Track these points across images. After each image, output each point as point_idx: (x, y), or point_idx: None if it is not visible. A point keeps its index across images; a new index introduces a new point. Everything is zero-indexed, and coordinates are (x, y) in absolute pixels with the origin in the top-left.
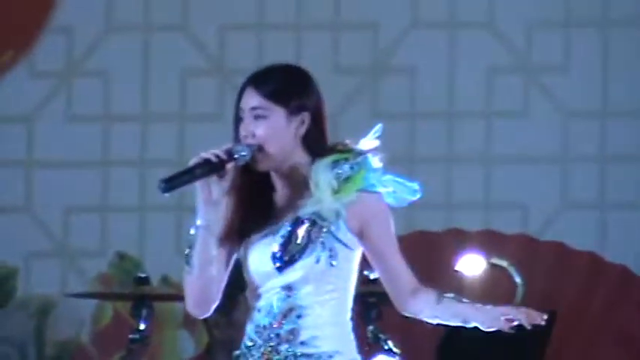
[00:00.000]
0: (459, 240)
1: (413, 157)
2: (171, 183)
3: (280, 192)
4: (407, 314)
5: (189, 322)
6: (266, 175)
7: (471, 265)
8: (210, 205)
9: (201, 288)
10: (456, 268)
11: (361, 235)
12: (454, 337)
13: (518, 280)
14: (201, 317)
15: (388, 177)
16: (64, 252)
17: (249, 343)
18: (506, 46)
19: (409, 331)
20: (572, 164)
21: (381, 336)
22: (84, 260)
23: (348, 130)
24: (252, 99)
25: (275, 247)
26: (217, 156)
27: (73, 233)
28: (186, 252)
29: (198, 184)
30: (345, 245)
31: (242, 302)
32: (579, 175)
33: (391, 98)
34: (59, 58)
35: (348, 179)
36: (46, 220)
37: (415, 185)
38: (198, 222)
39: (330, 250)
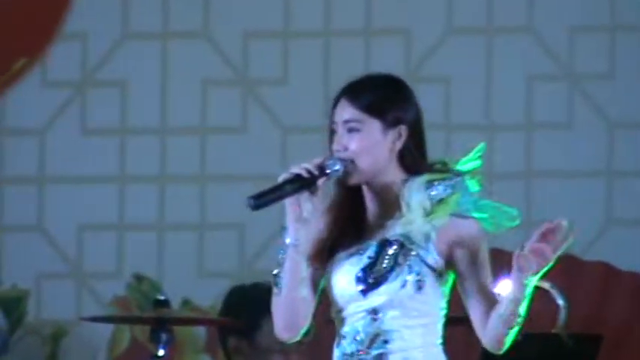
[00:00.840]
0: (499, 261)
1: None
2: (261, 200)
3: (371, 210)
4: (491, 350)
5: (211, 346)
6: (358, 192)
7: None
8: (301, 223)
9: (291, 310)
10: (495, 290)
11: (450, 261)
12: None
13: (561, 302)
14: (291, 341)
15: (485, 202)
16: (78, 273)
17: None
18: (547, 53)
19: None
20: (618, 179)
21: None
22: (99, 282)
23: None
24: (346, 111)
25: (361, 268)
26: (309, 171)
27: (87, 253)
28: (274, 272)
29: (287, 201)
30: (434, 270)
31: (265, 326)
32: (626, 190)
33: (425, 109)
34: (73, 67)
35: (441, 201)
36: (59, 240)
37: (514, 211)
38: (288, 240)
39: (418, 274)
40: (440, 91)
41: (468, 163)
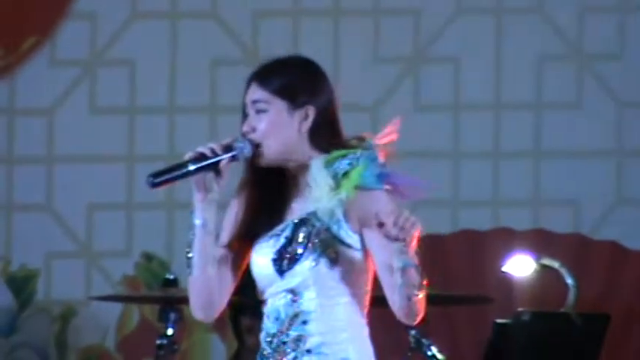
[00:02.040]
0: (507, 240)
1: (457, 152)
2: (161, 178)
3: (290, 190)
4: (405, 321)
5: (220, 325)
6: (279, 174)
7: (520, 266)
8: (207, 202)
9: (203, 290)
10: (504, 269)
11: (362, 234)
12: (502, 343)
13: (570, 281)
14: (206, 321)
15: (390, 172)
16: (88, 253)
17: (264, 352)
18: (557, 33)
19: (454, 335)
20: (628, 158)
21: (424, 341)
22: (108, 261)
23: (388, 122)
24: (254, 93)
25: (277, 249)
26: (213, 150)
27: (96, 233)
28: (187, 253)
29: (193, 180)
30: (348, 246)
31: None
32: (636, 169)
33: (434, 89)
34: (82, 46)
35: (346, 175)
36: (69, 219)
37: (421, 181)
38: (197, 221)
39: (330, 251)
40: (449, 71)
41: (386, 136)
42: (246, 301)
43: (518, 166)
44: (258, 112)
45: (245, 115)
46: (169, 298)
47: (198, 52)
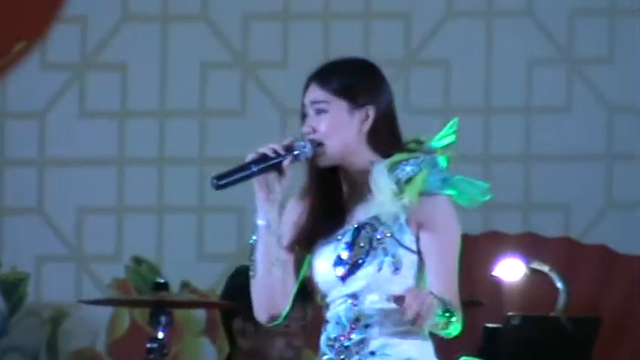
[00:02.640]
0: (497, 243)
1: None
2: (225, 180)
3: (348, 193)
4: None
5: (210, 329)
6: (336, 176)
7: (510, 270)
8: (270, 203)
9: (268, 292)
10: (494, 273)
11: (418, 237)
12: (492, 347)
13: (560, 285)
14: (272, 324)
15: (455, 177)
16: (78, 256)
17: (324, 357)
18: (546, 36)
19: (444, 339)
20: (618, 162)
21: None
22: (99, 265)
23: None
24: (314, 93)
25: (338, 254)
26: (275, 151)
27: (87, 236)
28: (250, 255)
29: (255, 182)
30: (411, 251)
31: None
32: (625, 173)
33: (424, 92)
34: (73, 50)
35: (409, 180)
36: (59, 223)
37: (485, 185)
38: (260, 222)
39: (394, 256)
40: (439, 75)
41: (443, 139)
42: (239, 304)
43: (508, 170)
44: (319, 112)
45: (304, 116)
46: (160, 302)
47: (189, 55)
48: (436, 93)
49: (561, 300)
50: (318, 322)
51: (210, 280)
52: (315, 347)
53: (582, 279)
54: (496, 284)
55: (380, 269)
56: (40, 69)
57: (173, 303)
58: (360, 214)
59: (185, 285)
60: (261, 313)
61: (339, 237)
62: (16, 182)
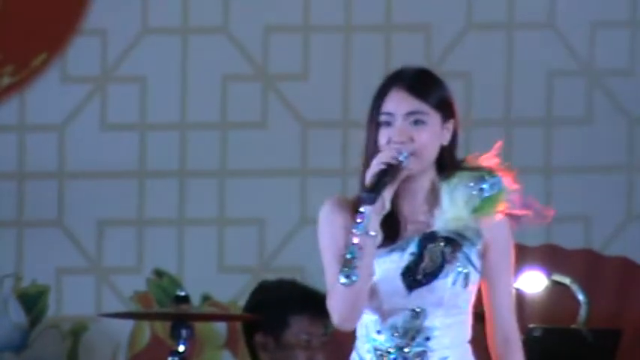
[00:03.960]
0: (519, 255)
1: None
2: (375, 193)
3: (405, 203)
4: (492, 352)
5: (231, 342)
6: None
7: (532, 282)
8: (380, 214)
9: (360, 302)
10: (516, 285)
11: (483, 258)
12: None
13: (581, 297)
14: (348, 331)
15: (521, 199)
16: (99, 269)
17: None
18: (567, 48)
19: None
20: (639, 174)
21: None
22: (119, 278)
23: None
24: (409, 103)
25: (405, 265)
26: (396, 159)
27: (107, 249)
28: (351, 264)
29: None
30: (475, 268)
31: (292, 323)
32: None
33: None
34: (93, 63)
35: (488, 198)
36: (79, 235)
37: (549, 210)
38: (372, 233)
39: (466, 272)
40: (460, 87)
41: (486, 160)
42: (254, 317)
43: (529, 182)
44: (417, 122)
45: (379, 124)
46: (181, 315)
47: (209, 67)
48: (458, 105)
49: (582, 312)
50: (338, 336)
51: (231, 292)
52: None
53: (603, 291)
54: (517, 296)
55: (454, 283)
56: (60, 82)
57: (194, 316)
58: (426, 226)
59: (206, 298)
60: (345, 322)
61: (403, 246)
62: (36, 195)
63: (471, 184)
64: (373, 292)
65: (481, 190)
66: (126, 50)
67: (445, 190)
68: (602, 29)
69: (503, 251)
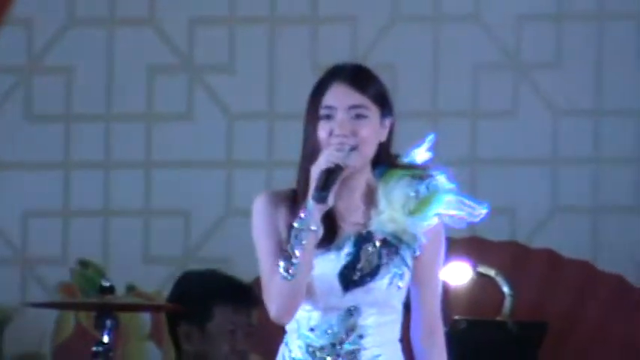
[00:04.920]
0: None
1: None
2: (326, 192)
3: (341, 201)
4: (414, 345)
5: (156, 333)
6: None
7: (457, 274)
8: (323, 210)
9: (299, 295)
10: (441, 277)
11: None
12: None
13: (506, 289)
14: (285, 324)
15: (456, 198)
16: (23, 259)
17: None
18: (493, 41)
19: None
20: (564, 166)
21: None
22: (44, 268)
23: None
24: (352, 97)
25: (341, 265)
26: (343, 161)
27: (32, 239)
28: (291, 258)
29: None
30: (409, 268)
31: (216, 313)
32: (571, 177)
33: None
34: (18, 53)
35: (424, 200)
36: (4, 226)
37: (482, 208)
38: (313, 228)
39: (401, 273)
40: (386, 79)
41: (418, 155)
42: (178, 308)
43: (455, 174)
44: (358, 117)
45: (318, 117)
46: (105, 305)
47: (135, 59)
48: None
49: (507, 304)
50: (263, 326)
51: (156, 283)
52: (264, 352)
53: (528, 283)
54: (443, 288)
55: (390, 284)
56: None
57: (118, 306)
58: (361, 226)
59: (131, 288)
60: (284, 315)
61: (339, 246)
62: None
63: (408, 186)
64: (309, 290)
65: (417, 191)
66: (52, 41)
67: (382, 190)
68: (528, 22)
69: (436, 252)
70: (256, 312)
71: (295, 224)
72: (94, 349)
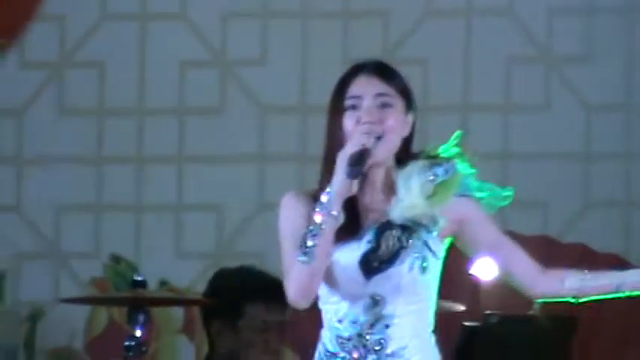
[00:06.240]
0: None
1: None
2: (359, 167)
3: (365, 193)
4: (538, 295)
5: (188, 327)
6: None
7: (488, 268)
8: (344, 195)
9: (317, 279)
10: (471, 271)
11: (462, 237)
12: (470, 346)
13: None
14: (303, 308)
15: (481, 183)
16: (56, 254)
17: (336, 356)
18: (525, 35)
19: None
20: (596, 161)
21: None
22: (77, 263)
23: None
24: (378, 85)
25: (364, 252)
26: (370, 144)
27: (65, 234)
28: (307, 241)
29: (351, 173)
30: (434, 254)
31: (248, 312)
32: (603, 172)
33: None
34: (51, 48)
35: (442, 183)
36: (37, 220)
37: (508, 191)
38: (334, 212)
39: (423, 258)
40: (418, 73)
41: (447, 151)
42: (211, 302)
43: (487, 168)
44: (384, 105)
45: (342, 109)
46: (138, 300)
47: (168, 53)
48: (415, 91)
49: None
50: (297, 323)
51: (188, 278)
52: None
53: None
54: (473, 283)
55: (411, 269)
56: (18, 67)
57: (151, 300)
58: (382, 215)
59: (163, 283)
60: (301, 298)
61: (360, 236)
62: None
63: (426, 171)
64: (334, 281)
65: (435, 175)
66: (84, 36)
67: (400, 178)
68: (560, 15)
69: (486, 220)
70: (290, 309)
71: (316, 208)
72: (127, 343)
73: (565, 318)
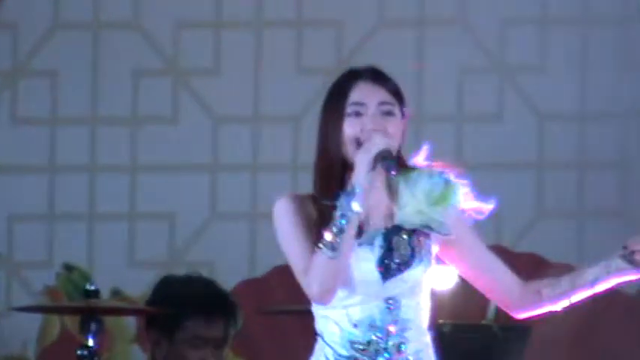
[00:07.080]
0: None
1: None
2: (394, 161)
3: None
4: (521, 314)
5: (142, 336)
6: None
7: (442, 278)
8: (368, 194)
9: (339, 275)
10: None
11: (452, 248)
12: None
13: None
14: (325, 304)
15: (469, 193)
16: (9, 263)
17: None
18: (478, 45)
19: None
20: (549, 170)
21: None
22: (29, 272)
23: (311, 132)
24: (380, 93)
25: (378, 256)
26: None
27: (17, 243)
28: (333, 238)
29: (371, 174)
30: (434, 259)
31: (186, 325)
32: (556, 181)
33: None
34: (4, 57)
35: (445, 191)
36: None
37: (489, 204)
38: (358, 208)
39: (429, 261)
40: None
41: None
42: (161, 310)
43: None
44: (387, 113)
45: (356, 114)
46: (90, 309)
47: (120, 62)
48: None
49: (492, 309)
50: (249, 332)
51: (141, 287)
52: (251, 356)
53: None
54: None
55: (425, 272)
56: None
57: (103, 310)
58: (386, 218)
59: (116, 292)
60: (325, 293)
61: (370, 240)
62: None
63: (429, 179)
64: (348, 283)
65: (438, 184)
66: (37, 44)
67: (403, 184)
68: (513, 25)
69: (477, 235)
70: (236, 320)
71: (342, 203)
72: (79, 352)
73: (518, 327)
